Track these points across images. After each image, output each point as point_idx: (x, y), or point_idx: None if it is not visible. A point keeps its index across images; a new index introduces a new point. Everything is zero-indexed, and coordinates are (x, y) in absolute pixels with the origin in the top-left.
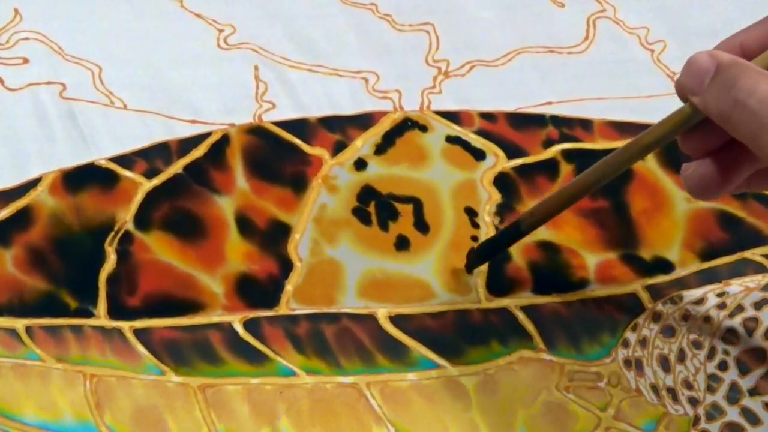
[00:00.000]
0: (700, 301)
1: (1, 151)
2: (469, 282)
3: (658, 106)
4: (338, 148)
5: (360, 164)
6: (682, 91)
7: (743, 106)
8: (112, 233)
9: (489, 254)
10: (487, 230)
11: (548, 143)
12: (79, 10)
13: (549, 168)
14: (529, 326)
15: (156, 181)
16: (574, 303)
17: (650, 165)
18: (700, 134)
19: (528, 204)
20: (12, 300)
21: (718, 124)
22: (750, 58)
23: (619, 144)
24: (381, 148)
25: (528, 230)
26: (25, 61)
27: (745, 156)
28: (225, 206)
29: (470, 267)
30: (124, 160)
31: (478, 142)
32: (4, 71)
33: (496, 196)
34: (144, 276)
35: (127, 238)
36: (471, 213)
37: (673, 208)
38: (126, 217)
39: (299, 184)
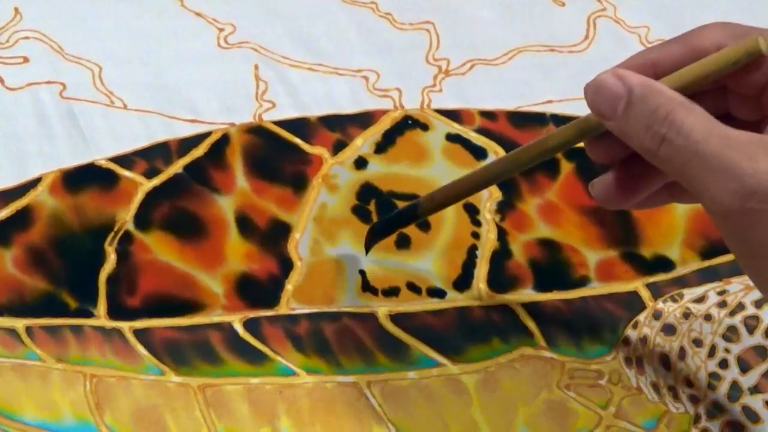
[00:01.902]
0: (700, 299)
1: (1, 151)
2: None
3: None
4: (338, 147)
5: (360, 163)
6: (593, 111)
7: (670, 142)
8: (112, 233)
9: (384, 233)
10: (487, 228)
11: None
12: (79, 10)
13: (549, 166)
14: (530, 324)
15: (156, 181)
16: (575, 301)
17: None
18: (606, 142)
19: (528, 201)
20: (12, 300)
21: (639, 153)
22: (660, 77)
23: None
24: (381, 147)
25: (425, 214)
26: (26, 60)
27: (650, 167)
28: (225, 206)
29: (367, 246)
30: (124, 160)
31: (479, 140)
32: (4, 71)
33: (497, 194)
34: (144, 276)
35: (127, 238)
36: (472, 211)
37: (673, 207)
38: (126, 217)
39: (299, 184)
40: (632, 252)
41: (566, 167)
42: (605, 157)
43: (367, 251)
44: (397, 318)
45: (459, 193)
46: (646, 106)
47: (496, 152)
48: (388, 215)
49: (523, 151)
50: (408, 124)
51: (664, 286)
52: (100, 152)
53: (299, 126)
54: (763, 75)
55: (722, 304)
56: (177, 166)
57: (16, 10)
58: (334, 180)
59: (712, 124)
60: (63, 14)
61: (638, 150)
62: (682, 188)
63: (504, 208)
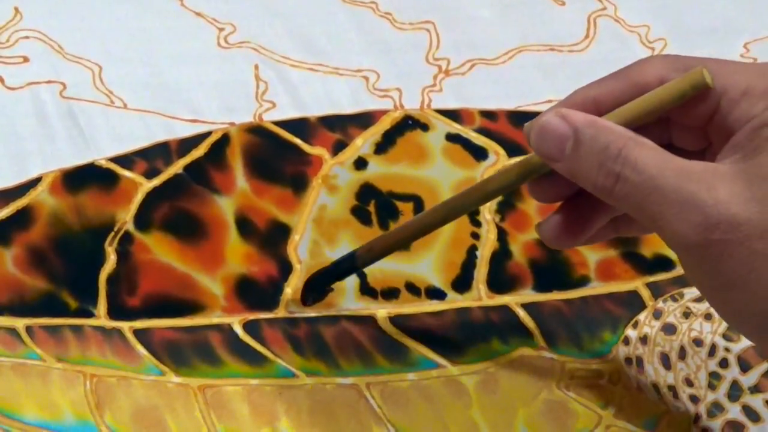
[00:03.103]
0: (700, 298)
1: (1, 151)
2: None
3: None
4: (338, 148)
5: (360, 163)
6: (539, 154)
7: (625, 180)
8: (112, 233)
9: (323, 284)
10: (487, 228)
11: None
12: (79, 9)
13: None
14: (530, 324)
15: (156, 182)
16: (574, 300)
17: None
18: (549, 182)
19: (528, 202)
20: (12, 299)
21: (591, 192)
22: (603, 114)
23: None
24: (381, 147)
25: (363, 265)
26: (25, 60)
27: (597, 204)
28: (225, 206)
29: (305, 298)
30: (124, 160)
31: (479, 140)
32: (4, 70)
33: None
34: (144, 276)
35: (127, 239)
36: (472, 211)
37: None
38: (126, 218)
39: (299, 184)
40: (632, 251)
41: None
42: (548, 197)
43: (304, 302)
44: (396, 319)
45: (398, 242)
46: (596, 144)
47: (496, 152)
48: (325, 267)
49: (464, 195)
50: (408, 124)
51: (665, 286)
52: (100, 152)
53: (299, 126)
54: (708, 106)
55: None
56: (177, 167)
57: (16, 9)
58: (334, 180)
59: (665, 157)
60: (63, 14)
61: (590, 189)
62: (627, 222)
63: (504, 208)
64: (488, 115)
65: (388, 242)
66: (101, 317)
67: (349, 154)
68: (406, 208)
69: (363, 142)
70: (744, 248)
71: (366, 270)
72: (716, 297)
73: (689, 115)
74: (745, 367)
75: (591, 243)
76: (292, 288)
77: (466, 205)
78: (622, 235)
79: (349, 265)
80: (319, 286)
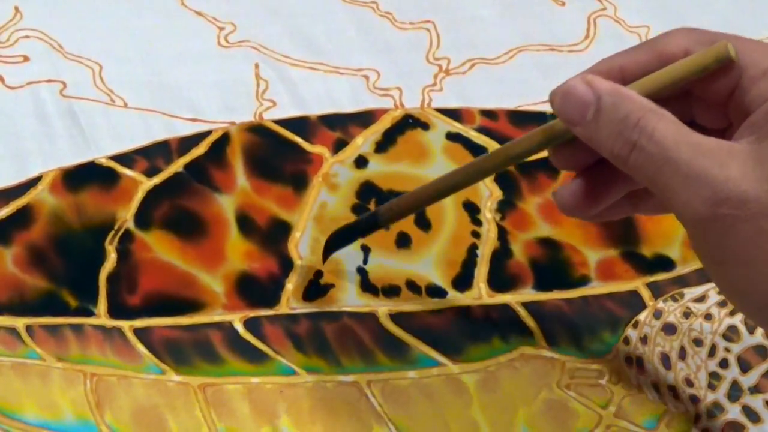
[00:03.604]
0: (701, 298)
1: (1, 150)
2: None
3: None
4: (339, 146)
5: (361, 162)
6: (561, 117)
7: (641, 149)
8: (113, 232)
9: (343, 242)
10: (488, 227)
11: None
12: (79, 8)
13: (550, 165)
14: (531, 323)
15: (156, 180)
16: (575, 300)
17: None
18: (571, 149)
19: (529, 201)
20: (12, 299)
21: (608, 159)
22: (628, 83)
23: None
24: (382, 146)
25: (385, 223)
26: (26, 59)
27: (616, 175)
28: (225, 205)
29: (325, 254)
30: (124, 159)
31: (479, 139)
32: (5, 69)
33: (498, 193)
34: (144, 275)
35: (127, 237)
36: (472, 210)
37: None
38: (126, 216)
39: (300, 183)
40: (633, 251)
41: None
42: (570, 164)
43: (324, 260)
44: (397, 317)
45: (421, 201)
46: (616, 112)
47: None
48: (347, 224)
49: (488, 158)
50: (408, 123)
51: (665, 286)
52: (101, 151)
53: (300, 125)
54: (730, 82)
55: (723, 304)
56: (177, 165)
57: (17, 9)
58: (335, 179)
59: (683, 131)
60: (63, 13)
61: (608, 157)
62: (644, 199)
63: (504, 207)
64: (488, 114)
65: (409, 201)
66: (101, 316)
67: (350, 153)
68: None
69: (363, 141)
70: (750, 225)
71: (367, 267)
72: (719, 272)
73: (710, 90)
74: (745, 367)
75: (606, 218)
76: (293, 284)
77: (488, 169)
78: (639, 212)
79: (372, 222)
80: (340, 242)
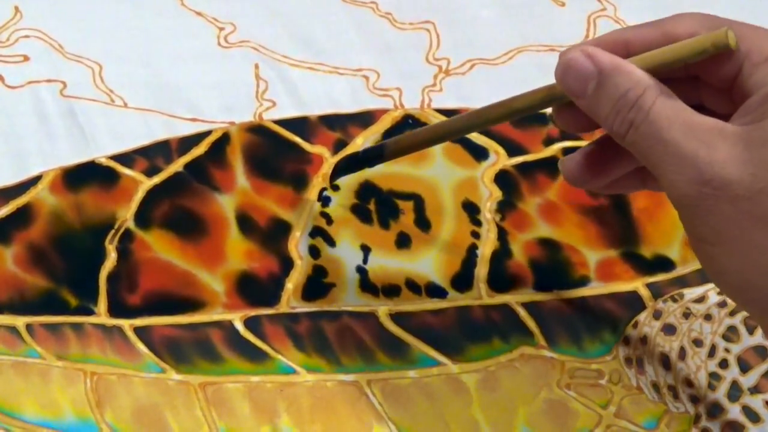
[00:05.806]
0: (700, 299)
1: (1, 149)
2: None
3: None
4: (339, 146)
5: None
6: (563, 88)
7: (636, 128)
8: (113, 231)
9: (349, 169)
10: (488, 227)
11: (549, 141)
12: (79, 8)
13: (550, 165)
14: (531, 323)
15: (156, 179)
16: (575, 300)
17: None
18: (575, 111)
19: (529, 201)
20: (12, 298)
21: (609, 134)
22: (630, 57)
23: None
24: None
25: (390, 156)
26: (26, 58)
27: (622, 149)
28: (225, 204)
29: (332, 179)
30: (124, 158)
31: (479, 140)
32: (5, 69)
33: (497, 194)
34: (144, 274)
35: (127, 236)
36: (472, 210)
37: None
38: (126, 215)
39: (300, 183)
40: (632, 252)
41: None
42: (573, 126)
43: (330, 183)
44: (397, 317)
45: (424, 141)
46: (617, 89)
47: (496, 152)
48: (353, 153)
49: (490, 108)
50: (408, 123)
51: (665, 286)
52: (101, 150)
53: (299, 125)
54: (733, 67)
55: (722, 304)
56: (177, 165)
57: (16, 8)
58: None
59: (678, 109)
60: (63, 13)
61: (607, 130)
62: (652, 175)
63: (504, 207)
64: None
65: (415, 140)
66: (102, 315)
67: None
68: (406, 206)
69: (363, 141)
70: (732, 206)
71: (367, 267)
72: (702, 250)
73: (714, 74)
74: (744, 367)
75: (614, 191)
76: (293, 283)
77: (491, 118)
78: (648, 188)
79: (378, 153)
80: (345, 170)
